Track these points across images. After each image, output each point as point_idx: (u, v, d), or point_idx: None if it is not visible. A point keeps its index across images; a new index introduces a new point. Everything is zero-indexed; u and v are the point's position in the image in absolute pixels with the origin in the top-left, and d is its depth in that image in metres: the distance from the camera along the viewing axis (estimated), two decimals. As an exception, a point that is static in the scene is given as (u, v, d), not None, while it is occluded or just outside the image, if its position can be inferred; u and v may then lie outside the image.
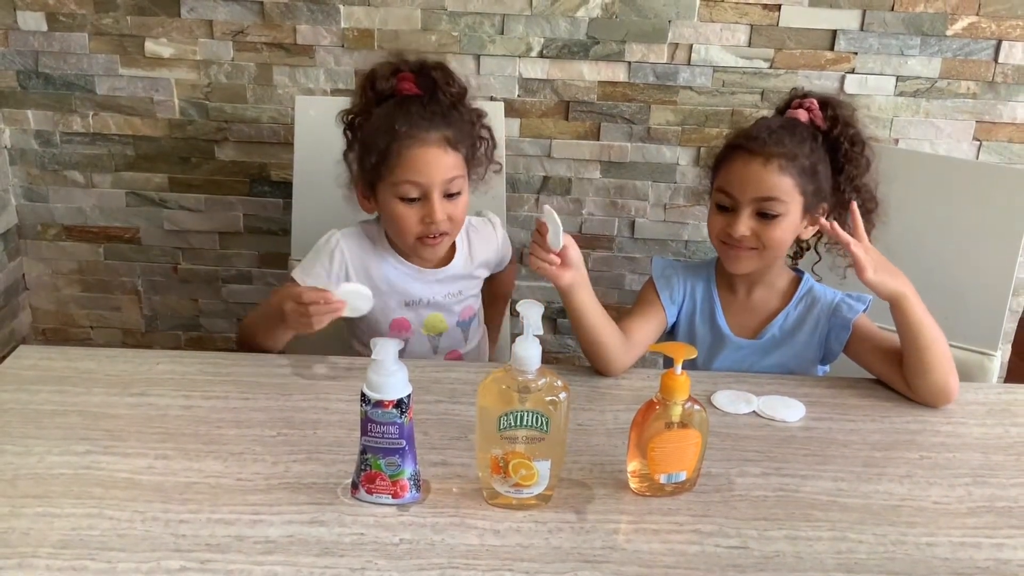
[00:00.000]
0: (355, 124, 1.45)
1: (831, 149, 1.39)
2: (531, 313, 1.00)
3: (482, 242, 1.56)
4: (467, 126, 1.43)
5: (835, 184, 1.40)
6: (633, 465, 1.09)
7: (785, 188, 1.34)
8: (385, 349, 0.99)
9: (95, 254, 2.27)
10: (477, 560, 0.96)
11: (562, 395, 1.01)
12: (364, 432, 1.01)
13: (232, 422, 1.20)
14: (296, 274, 1.43)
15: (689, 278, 1.50)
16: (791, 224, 1.37)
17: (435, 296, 1.50)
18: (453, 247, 1.51)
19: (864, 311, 1.42)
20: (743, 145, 1.37)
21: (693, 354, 1.07)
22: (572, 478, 1.10)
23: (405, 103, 1.39)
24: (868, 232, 1.37)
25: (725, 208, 1.39)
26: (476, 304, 1.57)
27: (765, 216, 1.36)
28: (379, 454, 1.02)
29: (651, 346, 1.41)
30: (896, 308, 1.30)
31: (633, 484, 1.09)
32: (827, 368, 1.50)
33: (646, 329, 1.45)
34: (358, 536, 0.98)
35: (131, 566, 0.93)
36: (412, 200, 1.38)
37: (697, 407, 1.07)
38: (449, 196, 1.39)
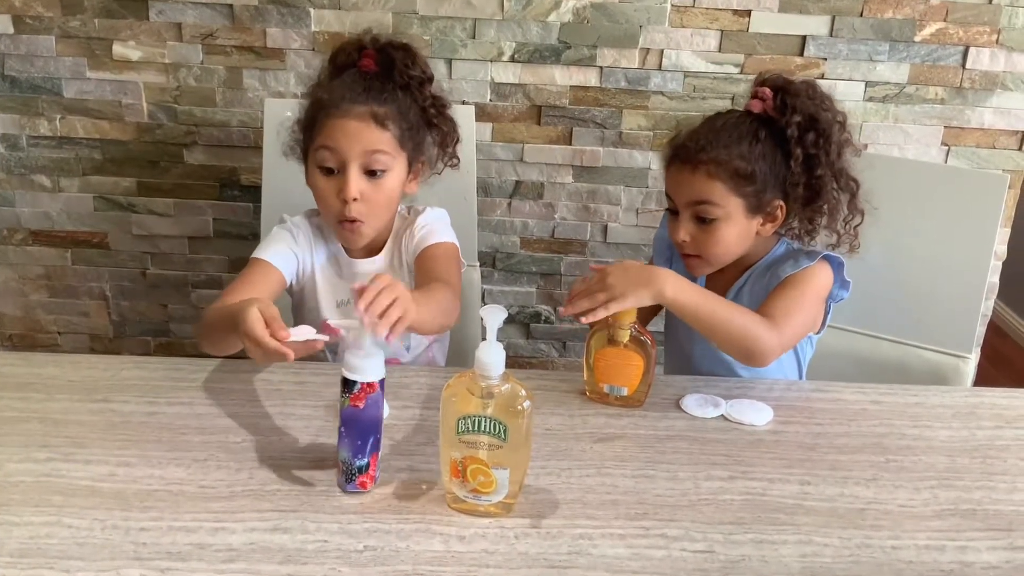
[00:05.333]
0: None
1: (778, 139, 1.37)
2: (492, 318, 0.99)
3: (403, 231, 1.48)
4: (413, 110, 1.39)
5: (791, 174, 1.37)
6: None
7: (717, 193, 1.36)
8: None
9: (62, 259, 2.24)
10: (442, 567, 0.95)
11: (526, 403, 1.00)
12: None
13: (196, 428, 1.19)
14: (256, 253, 1.41)
15: None
16: (732, 228, 1.38)
17: None
18: (383, 244, 1.47)
19: (812, 266, 1.39)
20: (676, 154, 1.40)
21: None
22: (538, 483, 1.10)
23: (350, 76, 1.38)
24: (855, 215, 1.40)
25: (673, 212, 1.43)
26: None
27: (703, 220, 1.38)
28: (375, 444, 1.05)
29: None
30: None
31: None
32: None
33: None
34: (321, 543, 0.97)
35: (90, 575, 0.91)
36: (329, 171, 1.35)
37: (644, 337, 1.26)
38: (370, 174, 1.35)
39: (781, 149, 1.37)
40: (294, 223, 1.46)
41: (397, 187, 1.40)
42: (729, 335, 1.30)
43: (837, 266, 1.42)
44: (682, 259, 1.46)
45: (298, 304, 1.51)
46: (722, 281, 1.48)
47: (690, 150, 1.37)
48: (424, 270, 1.41)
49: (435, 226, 1.47)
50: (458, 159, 1.51)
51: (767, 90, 1.38)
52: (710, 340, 1.32)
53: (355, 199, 1.34)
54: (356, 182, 1.33)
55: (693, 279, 1.49)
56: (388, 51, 1.39)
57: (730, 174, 1.35)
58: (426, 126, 1.43)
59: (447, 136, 1.47)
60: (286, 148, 1.45)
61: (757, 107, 1.39)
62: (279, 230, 1.45)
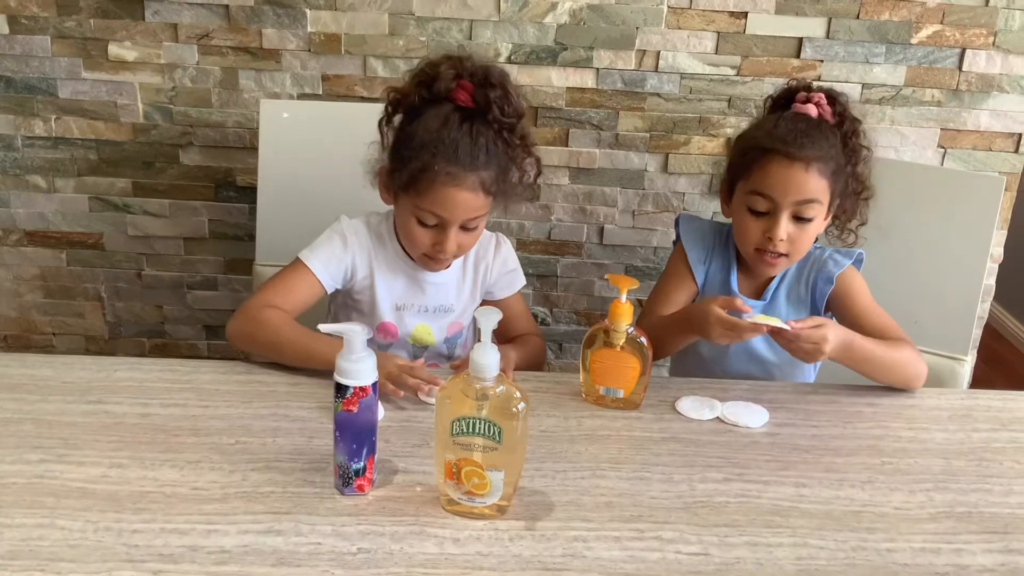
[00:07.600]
0: (397, 107, 1.40)
1: (842, 144, 1.42)
2: (487, 320, 0.99)
3: (482, 259, 1.54)
4: (507, 161, 1.38)
5: (851, 175, 1.44)
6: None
7: (822, 191, 1.38)
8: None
9: (57, 260, 2.23)
10: (436, 569, 0.95)
11: (520, 405, 1.00)
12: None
13: (190, 430, 1.18)
14: (304, 254, 1.43)
15: (716, 238, 1.53)
16: (818, 226, 1.42)
17: (423, 303, 1.50)
18: None
19: (851, 265, 1.46)
20: (780, 149, 1.37)
21: (635, 284, 1.24)
22: (533, 485, 1.09)
23: (453, 125, 1.32)
24: (853, 218, 1.46)
25: (758, 213, 1.40)
26: (465, 324, 1.55)
27: (800, 220, 1.39)
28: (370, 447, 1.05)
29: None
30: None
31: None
32: None
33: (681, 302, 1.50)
34: (315, 546, 0.97)
35: (81, 577, 0.91)
36: (429, 225, 1.38)
37: (640, 339, 1.26)
38: (466, 229, 1.39)
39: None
40: (351, 228, 1.47)
41: (482, 231, 1.46)
42: (894, 371, 1.35)
43: (860, 262, 1.49)
44: (762, 258, 1.42)
45: (346, 304, 1.52)
46: (755, 284, 1.51)
47: (802, 145, 1.36)
48: (515, 316, 1.55)
49: (518, 267, 1.58)
50: (537, 194, 1.51)
51: (823, 96, 1.41)
52: (876, 379, 1.36)
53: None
54: (454, 240, 1.38)
55: (724, 279, 1.52)
56: (486, 90, 1.34)
57: (831, 171, 1.38)
58: (511, 164, 1.40)
59: (534, 173, 1.45)
60: (374, 176, 1.44)
61: (813, 112, 1.41)
62: (331, 234, 1.46)
